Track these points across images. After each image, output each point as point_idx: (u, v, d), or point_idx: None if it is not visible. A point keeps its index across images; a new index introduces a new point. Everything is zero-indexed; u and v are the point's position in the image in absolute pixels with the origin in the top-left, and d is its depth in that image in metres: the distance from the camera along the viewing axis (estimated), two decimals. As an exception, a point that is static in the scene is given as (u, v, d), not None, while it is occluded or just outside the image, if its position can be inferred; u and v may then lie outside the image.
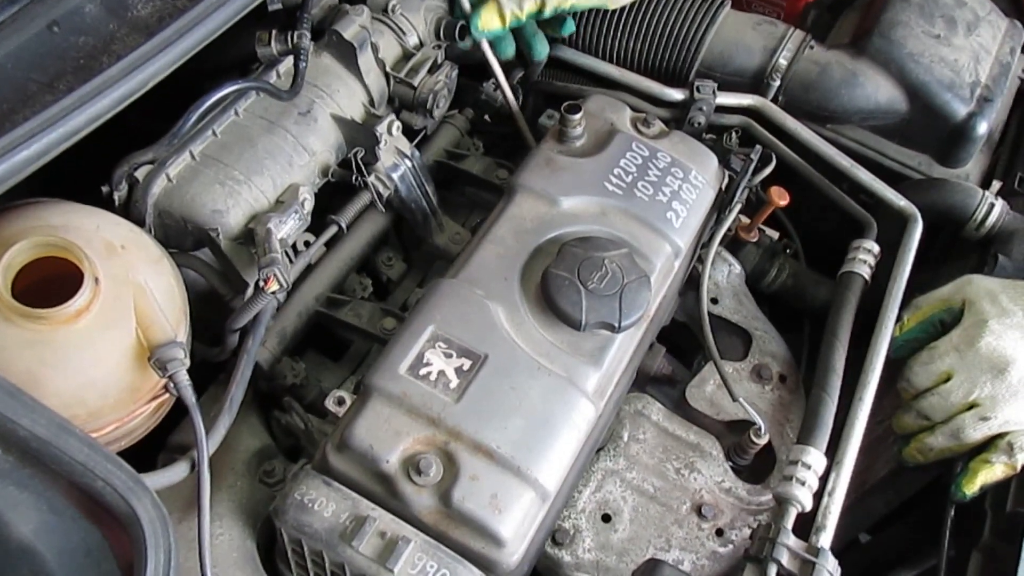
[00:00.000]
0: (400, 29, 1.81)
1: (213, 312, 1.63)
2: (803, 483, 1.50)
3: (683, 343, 2.02)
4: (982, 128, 1.99)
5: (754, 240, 2.04)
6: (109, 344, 1.29)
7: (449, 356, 1.51)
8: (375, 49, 1.76)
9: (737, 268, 2.04)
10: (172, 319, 1.37)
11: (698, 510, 1.71)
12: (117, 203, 1.50)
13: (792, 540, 1.41)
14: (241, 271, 1.55)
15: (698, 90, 1.97)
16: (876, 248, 1.84)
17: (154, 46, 1.29)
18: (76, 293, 1.22)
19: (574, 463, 1.51)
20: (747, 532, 1.70)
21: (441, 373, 1.49)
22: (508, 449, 1.43)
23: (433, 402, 1.45)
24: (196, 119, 1.47)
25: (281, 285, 1.46)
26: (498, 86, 2.02)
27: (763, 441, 1.72)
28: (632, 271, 1.62)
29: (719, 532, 1.69)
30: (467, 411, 1.45)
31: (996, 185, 1.99)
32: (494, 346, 1.52)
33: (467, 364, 1.50)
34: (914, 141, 2.07)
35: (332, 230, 1.68)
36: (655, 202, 1.76)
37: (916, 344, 1.63)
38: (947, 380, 1.54)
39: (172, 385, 1.32)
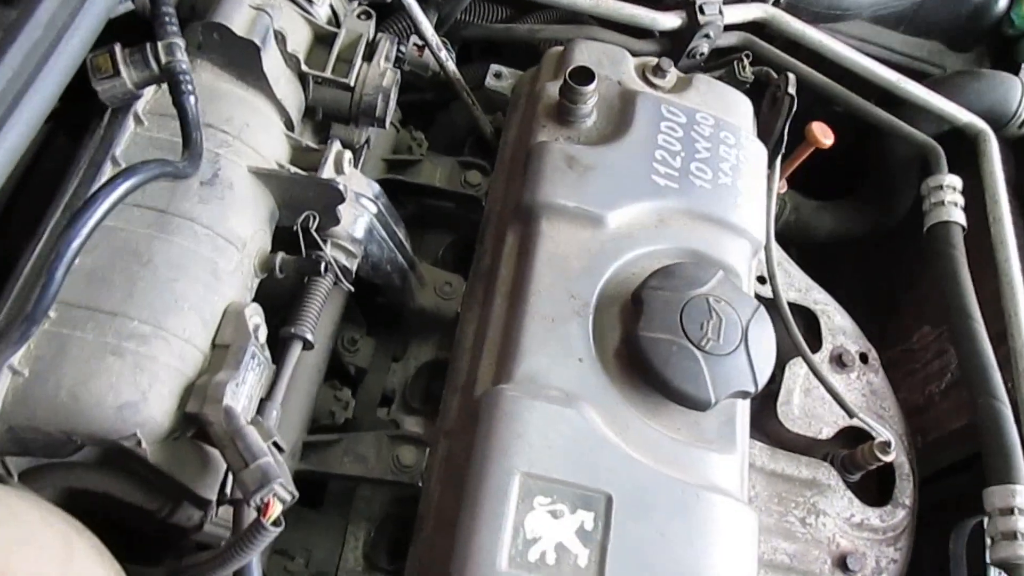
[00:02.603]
0: (302, -2, 1.12)
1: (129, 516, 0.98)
2: (1030, 536, 1.17)
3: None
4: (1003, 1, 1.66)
5: (783, 191, 1.63)
6: None
7: (560, 515, 0.99)
8: (281, 40, 1.07)
9: (768, 229, 1.62)
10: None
11: (842, 564, 1.37)
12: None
13: (1055, 625, 1.08)
14: (189, 480, 0.91)
15: (701, 11, 1.46)
16: (959, 182, 1.47)
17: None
18: None
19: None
20: (894, 569, 1.39)
21: (560, 548, 0.98)
22: (692, 631, 0.96)
23: (568, 599, 0.94)
24: (62, 276, 0.76)
25: (285, 503, 0.85)
26: (425, 45, 1.39)
27: (891, 457, 1.37)
28: (744, 304, 1.15)
29: (870, 582, 1.36)
30: (619, 595, 0.95)
31: (1027, 66, 1.68)
32: (612, 476, 1.03)
33: (589, 519, 1.00)
34: (924, 27, 1.72)
35: (296, 349, 1.05)
36: (719, 188, 1.28)
37: None
38: None
39: None
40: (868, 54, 1.67)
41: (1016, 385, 1.28)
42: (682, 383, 1.08)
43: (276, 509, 0.84)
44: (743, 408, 1.18)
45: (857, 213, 1.84)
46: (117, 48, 0.91)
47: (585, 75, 1.23)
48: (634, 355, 1.10)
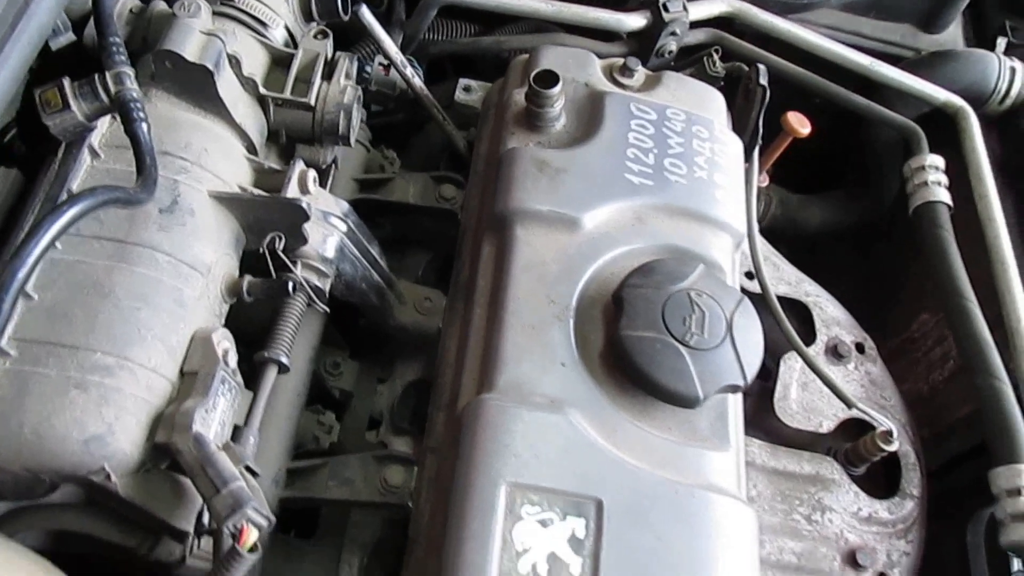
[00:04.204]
0: (257, 21, 1.11)
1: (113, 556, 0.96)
2: (1041, 516, 1.13)
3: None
4: (971, -22, 1.65)
5: (765, 184, 1.60)
6: None
7: (548, 524, 0.96)
8: (236, 64, 1.06)
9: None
10: None
11: (852, 560, 1.32)
12: None
13: (1073, 605, 1.04)
14: (164, 513, 0.88)
15: (665, 8, 1.45)
16: (941, 162, 1.45)
17: None
18: None
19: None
20: (907, 563, 1.34)
21: (552, 558, 0.95)
22: (695, 637, 0.93)
23: (564, 612, 0.91)
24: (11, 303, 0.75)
25: (261, 529, 0.82)
26: (391, 64, 1.38)
27: (894, 447, 1.34)
28: (727, 296, 1.13)
29: (883, 577, 1.31)
30: (616, 604, 0.92)
31: (1002, 43, 1.66)
32: (601, 481, 1.00)
33: (580, 527, 0.97)
34: (894, 10, 1.71)
35: (272, 373, 1.03)
36: (695, 182, 1.26)
37: None
38: None
39: None
40: (842, 42, 1.67)
41: (1016, 364, 1.25)
42: (668, 381, 1.05)
43: (251, 535, 0.81)
44: (735, 403, 1.15)
45: (845, 204, 1.82)
46: (66, 81, 0.91)
47: (549, 78, 1.22)
48: (618, 356, 1.07)
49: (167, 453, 0.87)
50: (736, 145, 1.35)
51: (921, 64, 1.63)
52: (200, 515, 0.90)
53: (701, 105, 1.35)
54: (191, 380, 0.90)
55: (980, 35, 1.77)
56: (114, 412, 0.84)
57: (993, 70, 1.59)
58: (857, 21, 1.70)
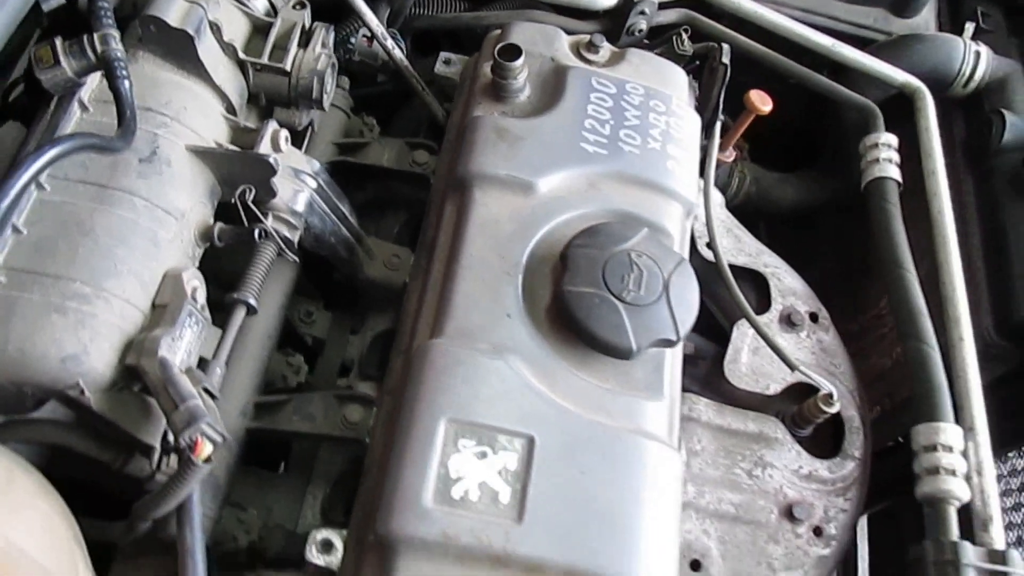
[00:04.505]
0: (239, -9, 1.21)
1: (91, 472, 1.07)
2: (952, 472, 1.20)
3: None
4: (943, -37, 1.70)
5: (730, 160, 1.68)
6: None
7: (483, 456, 1.06)
8: (216, 30, 1.16)
9: (719, 197, 1.67)
10: (64, 567, 0.82)
11: (788, 513, 1.40)
12: None
13: (973, 554, 1.11)
14: (134, 429, 0.99)
15: (635, -11, 1.52)
16: (894, 140, 1.52)
17: None
18: None
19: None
20: (843, 519, 1.41)
21: (483, 486, 1.04)
22: (609, 563, 1.03)
23: (489, 532, 1.02)
24: None
25: (215, 443, 0.93)
26: (373, 37, 1.47)
27: (835, 409, 1.41)
28: (666, 258, 1.21)
29: (817, 531, 1.40)
30: (538, 529, 1.03)
31: (970, 27, 1.71)
32: (536, 420, 1.09)
33: (512, 460, 1.06)
34: (866, -8, 1.75)
35: (240, 313, 1.13)
36: (648, 152, 1.34)
37: None
38: None
39: None
40: (815, 24, 1.73)
41: (947, 331, 1.32)
42: (605, 333, 1.14)
43: (205, 447, 0.92)
44: (672, 358, 1.23)
45: (817, 182, 1.88)
46: (58, 41, 1.01)
47: (512, 52, 1.31)
48: (560, 309, 1.16)
49: (136, 375, 0.97)
50: (693, 120, 1.43)
51: (887, 47, 1.69)
52: (166, 434, 1.01)
53: (661, 81, 1.43)
54: (161, 312, 1.01)
55: (956, 20, 1.82)
56: (89, 335, 0.94)
57: (958, 54, 1.65)
58: (832, 5, 1.76)
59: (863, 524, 1.90)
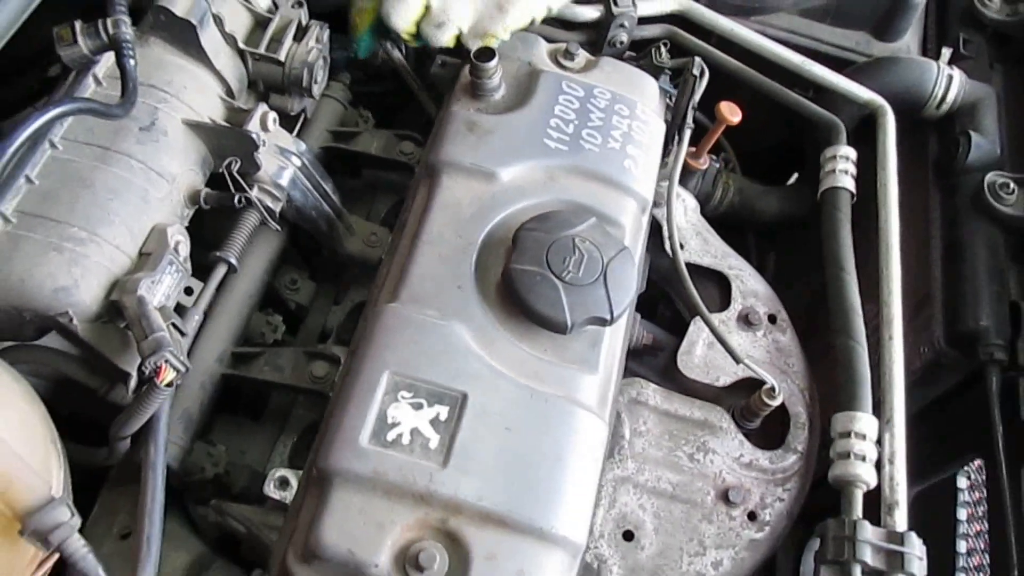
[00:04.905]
0: (243, -11, 1.37)
1: (83, 402, 1.22)
2: (862, 457, 1.28)
3: (644, 298, 1.75)
4: (922, -10, 1.79)
5: (703, 167, 1.78)
6: (-45, 531, 0.89)
7: (419, 407, 1.18)
8: (219, 22, 1.32)
9: (692, 202, 1.77)
10: (38, 462, 0.98)
11: (724, 496, 1.48)
12: (-91, 314, 1.06)
13: (871, 532, 1.19)
14: (114, 357, 1.14)
15: (615, 3, 1.65)
16: (853, 153, 1.61)
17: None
18: None
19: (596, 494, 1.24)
20: (780, 507, 1.49)
21: (415, 432, 1.17)
22: (522, 508, 1.14)
23: (415, 473, 1.14)
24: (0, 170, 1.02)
25: (178, 371, 1.07)
26: (375, 38, 1.62)
27: (777, 402, 1.49)
28: (609, 245, 1.32)
29: (751, 516, 1.47)
30: (460, 473, 1.15)
31: (947, 53, 1.79)
32: (470, 380, 1.21)
33: (444, 412, 1.19)
34: (849, 18, 1.85)
35: (221, 270, 1.29)
36: (607, 151, 1.45)
37: None
38: None
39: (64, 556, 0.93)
40: (799, 45, 1.83)
41: (881, 331, 1.40)
42: (542, 307, 1.26)
43: (168, 373, 1.06)
44: (610, 337, 1.34)
45: (798, 195, 1.96)
46: (77, 23, 1.18)
47: (487, 54, 1.44)
48: (506, 285, 1.28)
49: (118, 310, 1.13)
50: (656, 125, 1.54)
51: (864, 68, 1.77)
52: (142, 364, 1.16)
53: (630, 88, 1.54)
54: (146, 259, 1.16)
55: (940, 45, 1.90)
56: (80, 272, 1.10)
57: (931, 76, 1.72)
58: (816, 27, 1.85)
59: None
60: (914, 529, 1.25)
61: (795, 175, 2.15)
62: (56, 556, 1.01)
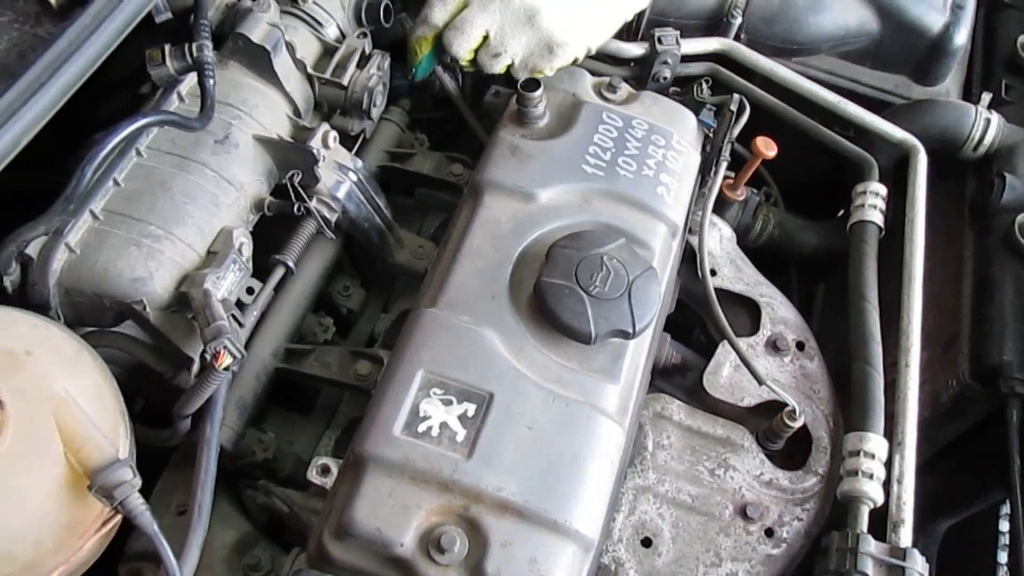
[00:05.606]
0: (315, 21, 1.52)
1: (152, 388, 1.36)
2: (870, 476, 1.33)
3: (680, 322, 1.83)
4: (960, 38, 1.84)
5: (741, 199, 1.85)
6: (32, 480, 1.02)
7: (449, 403, 1.28)
8: (291, 49, 1.47)
9: (728, 231, 1.85)
10: (107, 428, 1.10)
11: (742, 512, 1.53)
12: (10, 290, 1.21)
13: (874, 546, 1.24)
14: (180, 344, 1.28)
15: (660, 41, 1.75)
16: (883, 190, 1.66)
17: (20, 94, 0.99)
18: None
19: (611, 496, 1.32)
20: (797, 526, 1.54)
21: (444, 426, 1.26)
22: (538, 501, 1.23)
23: (442, 463, 1.23)
24: (92, 172, 1.17)
25: (235, 357, 1.20)
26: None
27: (798, 424, 1.55)
28: (635, 264, 1.41)
29: (769, 532, 1.53)
30: (482, 465, 1.24)
31: (986, 97, 1.84)
32: (497, 381, 1.31)
33: (471, 409, 1.28)
34: (888, 62, 1.91)
35: (279, 272, 1.42)
36: (641, 178, 1.55)
37: None
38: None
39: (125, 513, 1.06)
40: (838, 86, 1.89)
41: (901, 359, 1.45)
42: (569, 318, 1.35)
43: (225, 358, 1.19)
44: (633, 351, 1.42)
45: (836, 231, 2.02)
46: (166, 46, 1.34)
47: (533, 84, 1.55)
48: (538, 297, 1.38)
49: (186, 302, 1.26)
50: (692, 156, 1.62)
51: (902, 109, 1.83)
52: (204, 350, 1.29)
53: (668, 120, 1.63)
54: (213, 257, 1.30)
55: (983, 90, 1.94)
56: (155, 265, 1.25)
57: (968, 120, 1.77)
58: (856, 69, 1.92)
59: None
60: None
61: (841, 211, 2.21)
62: (118, 519, 1.14)
